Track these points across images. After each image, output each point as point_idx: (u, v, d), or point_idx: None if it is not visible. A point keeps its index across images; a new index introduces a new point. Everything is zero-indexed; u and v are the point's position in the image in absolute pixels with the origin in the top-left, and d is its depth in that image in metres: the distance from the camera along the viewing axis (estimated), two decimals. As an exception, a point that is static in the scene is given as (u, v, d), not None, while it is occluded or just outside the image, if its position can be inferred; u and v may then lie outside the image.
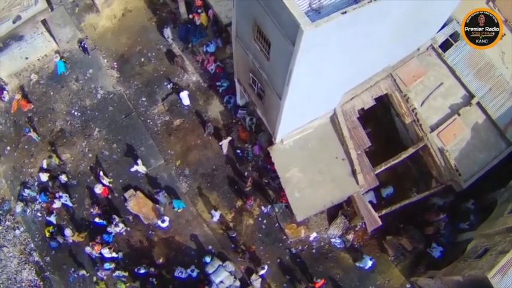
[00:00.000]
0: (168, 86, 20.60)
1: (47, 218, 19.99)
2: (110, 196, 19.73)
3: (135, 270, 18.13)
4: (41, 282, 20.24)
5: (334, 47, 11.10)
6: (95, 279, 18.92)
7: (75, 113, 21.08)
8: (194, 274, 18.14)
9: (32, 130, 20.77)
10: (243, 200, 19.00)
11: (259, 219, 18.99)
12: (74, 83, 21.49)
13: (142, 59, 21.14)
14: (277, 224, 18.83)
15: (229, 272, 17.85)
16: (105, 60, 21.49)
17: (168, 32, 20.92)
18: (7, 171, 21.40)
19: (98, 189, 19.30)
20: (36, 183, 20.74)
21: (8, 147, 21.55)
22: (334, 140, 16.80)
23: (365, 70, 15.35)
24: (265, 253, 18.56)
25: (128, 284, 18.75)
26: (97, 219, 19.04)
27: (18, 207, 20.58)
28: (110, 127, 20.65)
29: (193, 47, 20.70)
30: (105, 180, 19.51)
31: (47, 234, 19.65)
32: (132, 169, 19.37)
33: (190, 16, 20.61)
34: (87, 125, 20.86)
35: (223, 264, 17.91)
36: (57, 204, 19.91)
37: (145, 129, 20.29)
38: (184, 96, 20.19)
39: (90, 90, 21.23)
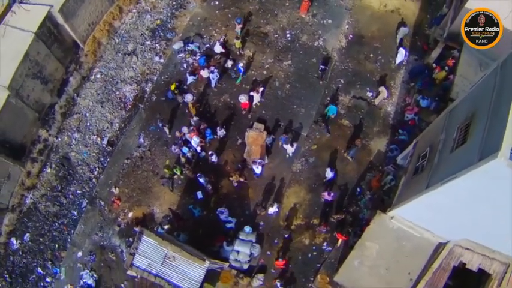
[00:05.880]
0: (368, 94, 20.19)
1: (187, 74, 20.49)
2: (244, 112, 19.89)
3: (198, 174, 18.24)
4: (130, 106, 20.83)
5: (498, 195, 11.01)
6: (168, 162, 19.24)
7: (287, 35, 21.35)
8: (229, 225, 18.08)
9: (242, 22, 21.04)
10: (320, 223, 18.60)
11: (313, 247, 18.39)
12: (310, 14, 21.77)
13: (371, 55, 20.88)
14: (319, 265, 18.34)
15: (251, 253, 17.56)
16: (346, 26, 21.52)
17: (402, 54, 20.54)
18: (197, 16, 22.13)
19: (243, 98, 19.54)
20: (206, 45, 21.32)
21: (217, 2, 22.27)
22: (422, 260, 15.99)
23: (498, 240, 14.54)
24: (287, 272, 18.06)
25: (182, 177, 19.10)
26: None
27: (177, 45, 21.24)
28: (299, 71, 20.67)
29: (412, 87, 20.28)
30: (256, 98, 19.56)
31: (172, 88, 20.14)
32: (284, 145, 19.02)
33: (434, 65, 20.21)
34: (286, 52, 21.03)
35: (254, 244, 17.64)
36: (204, 73, 20.31)
37: (319, 101, 20.07)
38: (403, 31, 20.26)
39: (314, 33, 21.35)
